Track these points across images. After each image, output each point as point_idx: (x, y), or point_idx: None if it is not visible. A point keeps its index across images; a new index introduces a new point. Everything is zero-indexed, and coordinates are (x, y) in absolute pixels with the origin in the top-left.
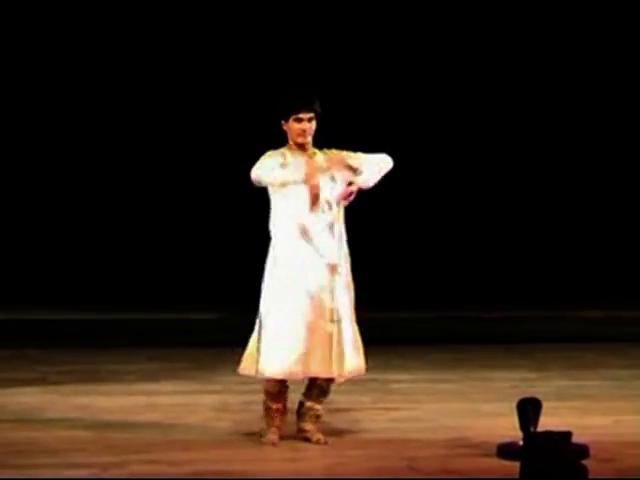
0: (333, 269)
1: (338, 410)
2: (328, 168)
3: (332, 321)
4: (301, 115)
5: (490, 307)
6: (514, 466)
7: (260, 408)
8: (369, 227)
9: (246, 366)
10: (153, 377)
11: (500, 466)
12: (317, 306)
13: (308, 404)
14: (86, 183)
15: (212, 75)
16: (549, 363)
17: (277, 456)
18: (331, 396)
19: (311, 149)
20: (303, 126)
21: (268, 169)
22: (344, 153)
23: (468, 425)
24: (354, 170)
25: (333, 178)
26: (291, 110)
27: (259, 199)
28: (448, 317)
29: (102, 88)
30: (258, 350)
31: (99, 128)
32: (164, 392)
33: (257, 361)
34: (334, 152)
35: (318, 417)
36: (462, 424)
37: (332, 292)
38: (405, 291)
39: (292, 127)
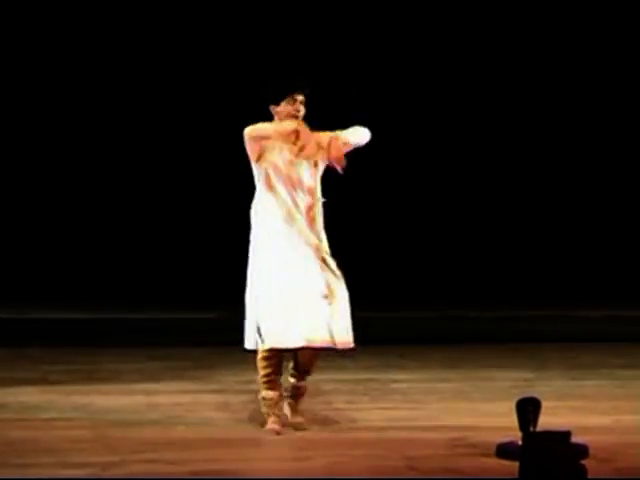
0: (316, 247)
1: (338, 409)
2: (313, 147)
3: (324, 296)
4: (296, 96)
5: (490, 307)
6: (514, 466)
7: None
8: (370, 225)
9: (249, 340)
10: (153, 376)
11: (500, 466)
12: (301, 280)
13: (292, 381)
14: (84, 182)
15: (210, 73)
16: (549, 363)
17: (277, 455)
18: (331, 396)
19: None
20: (297, 106)
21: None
22: (327, 132)
23: (468, 425)
24: (329, 145)
25: (319, 151)
26: (287, 91)
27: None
28: (448, 316)
29: (102, 88)
30: (255, 324)
31: (99, 128)
32: (164, 391)
33: (257, 333)
34: (322, 134)
35: (301, 395)
36: (462, 424)
37: (318, 267)
38: (405, 290)
39: (287, 109)
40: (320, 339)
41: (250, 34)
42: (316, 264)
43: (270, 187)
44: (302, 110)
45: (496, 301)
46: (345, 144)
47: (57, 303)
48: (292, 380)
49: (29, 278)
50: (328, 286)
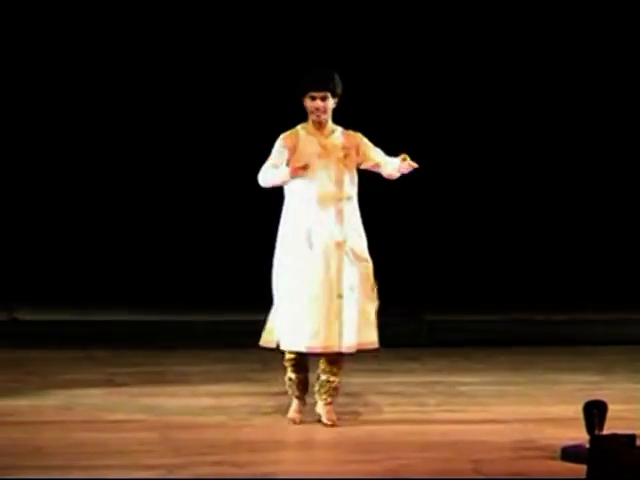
0: (339, 246)
1: (404, 412)
2: (344, 147)
3: (338, 296)
4: (314, 93)
5: (557, 310)
6: (580, 469)
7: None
8: (441, 226)
9: (266, 339)
10: (219, 379)
11: (566, 469)
12: (324, 281)
13: (323, 377)
14: (142, 180)
15: (216, 68)
16: (615, 366)
17: (342, 458)
18: (397, 398)
19: (329, 127)
20: (316, 104)
21: (266, 176)
22: (362, 137)
23: (534, 428)
24: (362, 153)
25: (348, 155)
26: (305, 88)
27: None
28: (515, 319)
29: (102, 87)
30: (275, 323)
31: (101, 127)
32: (230, 393)
33: (275, 334)
34: (354, 133)
35: (335, 390)
36: (528, 427)
37: (339, 268)
38: (473, 293)
39: (308, 105)
40: (330, 344)
41: (267, 39)
42: (334, 261)
43: (300, 180)
44: (322, 105)
45: (564, 304)
46: (376, 165)
47: (123, 305)
48: (323, 376)
49: (94, 280)
50: (342, 285)
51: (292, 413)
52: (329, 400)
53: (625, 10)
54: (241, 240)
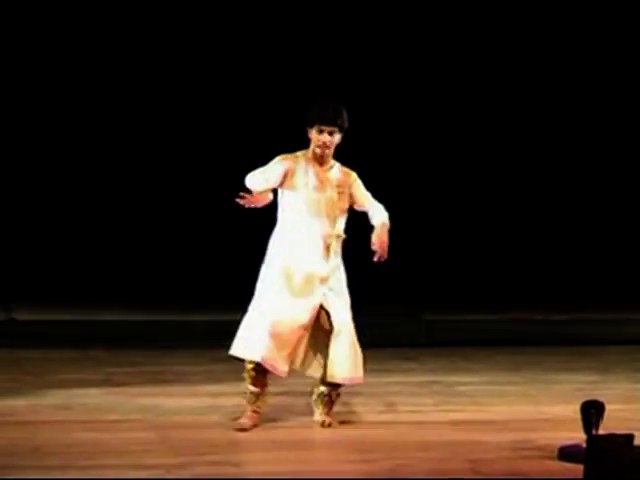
0: (322, 281)
1: (402, 412)
2: (339, 185)
3: (323, 329)
4: (323, 127)
5: (556, 310)
6: (578, 469)
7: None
8: (437, 227)
9: (236, 347)
10: (218, 378)
11: (563, 469)
12: (307, 306)
13: (323, 389)
14: (144, 180)
15: (216, 71)
16: (614, 365)
17: (340, 457)
18: (395, 397)
19: (329, 162)
20: (323, 138)
21: (254, 182)
22: (357, 178)
23: (532, 428)
24: (353, 195)
25: (342, 193)
26: (314, 120)
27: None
28: (513, 319)
29: (102, 86)
30: (248, 333)
31: (101, 128)
32: (229, 393)
33: (246, 343)
34: (350, 171)
35: (333, 403)
36: (526, 426)
37: (324, 301)
38: (471, 293)
39: (314, 137)
40: (313, 372)
41: (266, 43)
42: (318, 294)
43: (292, 207)
44: (329, 140)
45: (562, 304)
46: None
47: (123, 305)
48: (323, 388)
49: (92, 280)
50: (329, 319)
51: (243, 419)
52: (327, 411)
53: (625, 10)
54: (239, 240)
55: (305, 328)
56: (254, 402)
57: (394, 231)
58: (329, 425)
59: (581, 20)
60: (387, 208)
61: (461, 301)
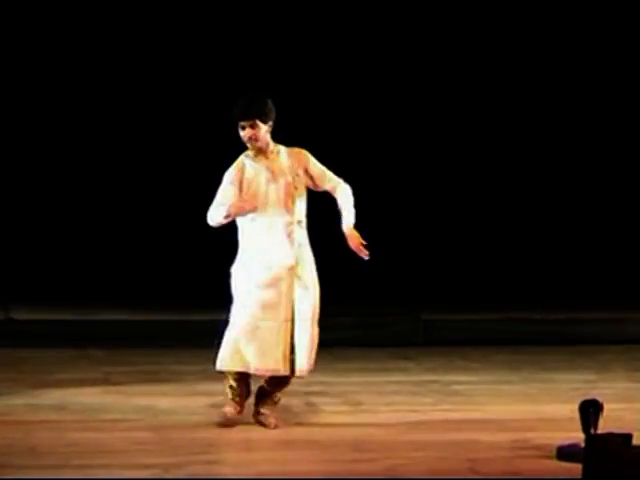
0: (290, 270)
1: (400, 411)
2: (292, 167)
3: (287, 320)
4: (242, 123)
5: (554, 309)
6: (576, 468)
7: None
8: (435, 225)
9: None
10: (215, 378)
11: (562, 468)
12: (271, 304)
13: (269, 389)
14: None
15: (211, 70)
16: (612, 365)
17: (338, 457)
18: (393, 397)
19: (271, 150)
20: (245, 133)
21: (214, 215)
22: (309, 157)
23: (530, 427)
24: (310, 177)
25: (298, 175)
26: (234, 119)
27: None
28: (511, 318)
29: (101, 86)
30: (220, 343)
31: (102, 131)
32: (226, 393)
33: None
34: (299, 151)
35: (277, 402)
36: (524, 426)
37: (289, 292)
38: (469, 292)
39: (240, 134)
40: (274, 370)
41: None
42: (285, 284)
43: (249, 204)
44: (252, 133)
45: (560, 303)
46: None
47: (121, 304)
48: (267, 389)
49: (90, 279)
50: (292, 309)
51: (227, 407)
52: (269, 412)
53: (625, 10)
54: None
55: (279, 321)
56: (240, 396)
57: (394, 231)
58: (275, 427)
59: (581, 20)
60: (386, 207)
61: (459, 300)
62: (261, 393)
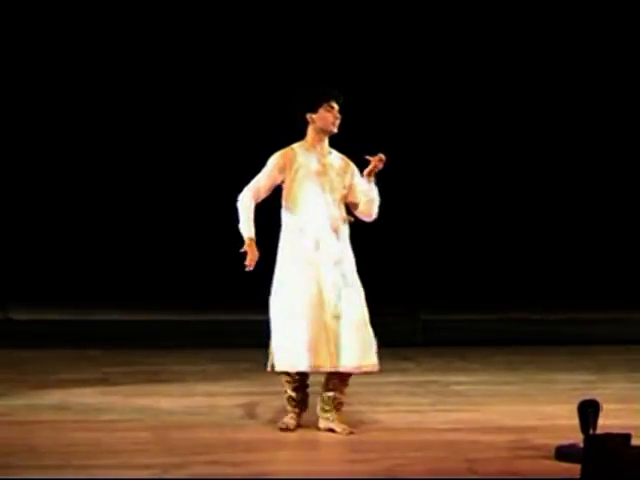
0: (336, 266)
1: (399, 411)
2: (342, 167)
3: (336, 317)
4: (334, 103)
5: (553, 309)
6: (575, 468)
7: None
8: (435, 225)
9: (268, 362)
10: (215, 378)
11: (561, 468)
12: (319, 301)
13: (329, 394)
14: (135, 180)
15: (214, 71)
16: (611, 365)
17: (338, 457)
18: (392, 397)
19: (326, 147)
20: (336, 114)
21: (240, 210)
22: (357, 171)
23: (529, 427)
24: (351, 186)
25: (343, 179)
26: (323, 99)
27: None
28: (510, 319)
29: (102, 87)
30: (271, 345)
31: (102, 132)
32: (226, 393)
33: (271, 356)
34: (349, 162)
35: (340, 405)
36: (523, 426)
37: (336, 288)
38: (468, 292)
39: (323, 116)
40: (327, 365)
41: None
42: (332, 281)
43: (297, 195)
44: (339, 119)
45: (559, 304)
46: (354, 205)
47: (120, 305)
48: (330, 393)
49: (88, 280)
50: (340, 306)
51: (287, 419)
52: (336, 416)
53: (625, 10)
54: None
55: (327, 319)
56: (300, 407)
57: (393, 232)
58: (351, 432)
59: (582, 20)
60: (385, 207)
61: (458, 301)
62: (324, 399)
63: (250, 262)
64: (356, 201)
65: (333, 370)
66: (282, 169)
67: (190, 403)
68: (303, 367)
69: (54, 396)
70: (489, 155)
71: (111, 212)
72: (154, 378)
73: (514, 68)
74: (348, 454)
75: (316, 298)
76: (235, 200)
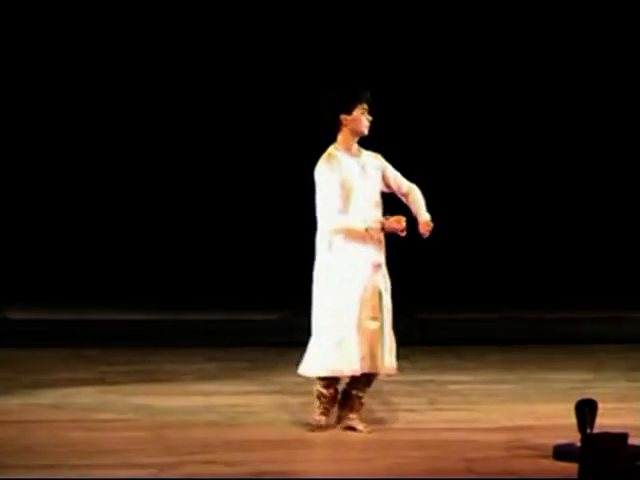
0: (377, 267)
1: (396, 411)
2: (376, 165)
3: (375, 319)
4: (366, 105)
5: (549, 308)
6: (573, 467)
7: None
8: (434, 225)
9: (303, 366)
10: (211, 377)
11: (558, 468)
12: (362, 304)
13: (354, 392)
14: (140, 181)
15: (219, 70)
16: (608, 364)
17: (335, 456)
18: (389, 397)
19: (356, 147)
20: (368, 116)
21: (331, 214)
22: (388, 165)
23: (526, 426)
24: (387, 179)
25: (378, 176)
26: (357, 101)
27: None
28: (507, 318)
29: (104, 86)
30: (309, 349)
31: (101, 129)
32: (222, 393)
33: (308, 360)
34: (377, 156)
35: (362, 405)
36: (520, 425)
37: (378, 290)
38: (464, 291)
39: (357, 119)
40: (370, 368)
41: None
42: (374, 283)
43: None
44: (370, 120)
45: (555, 303)
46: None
47: (116, 304)
48: (354, 392)
49: (85, 279)
50: (380, 309)
51: (319, 416)
52: (357, 416)
53: (625, 10)
54: (235, 240)
55: (372, 321)
56: (330, 404)
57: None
58: (370, 431)
59: (581, 20)
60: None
61: (455, 300)
62: (346, 398)
63: (401, 229)
64: (400, 192)
65: (374, 372)
66: (338, 178)
67: (187, 402)
68: (351, 371)
69: (50, 395)
70: (486, 155)
71: (108, 212)
72: (150, 377)
73: (512, 73)
74: (346, 453)
75: (363, 301)
76: (235, 203)
